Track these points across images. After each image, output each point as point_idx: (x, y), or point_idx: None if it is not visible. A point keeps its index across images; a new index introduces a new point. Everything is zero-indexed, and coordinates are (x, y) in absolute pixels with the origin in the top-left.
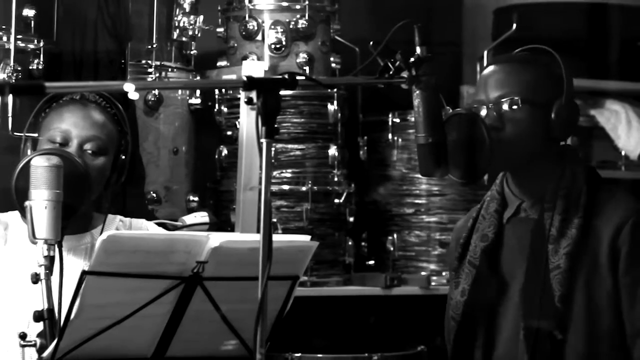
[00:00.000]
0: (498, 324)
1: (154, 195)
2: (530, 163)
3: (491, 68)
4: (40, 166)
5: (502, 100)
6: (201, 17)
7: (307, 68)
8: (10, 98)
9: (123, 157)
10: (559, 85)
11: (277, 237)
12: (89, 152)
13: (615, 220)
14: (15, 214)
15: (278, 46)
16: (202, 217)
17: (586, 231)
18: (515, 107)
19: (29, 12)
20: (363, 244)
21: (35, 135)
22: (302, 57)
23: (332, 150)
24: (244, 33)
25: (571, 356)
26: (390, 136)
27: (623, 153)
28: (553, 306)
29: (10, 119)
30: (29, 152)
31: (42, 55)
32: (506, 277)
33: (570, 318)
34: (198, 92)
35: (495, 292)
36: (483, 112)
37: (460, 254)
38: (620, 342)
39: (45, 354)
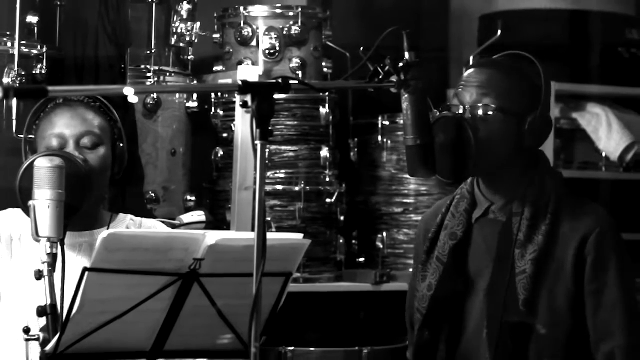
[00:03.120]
0: (463, 320)
1: (153, 195)
2: (501, 168)
3: (472, 71)
4: (43, 167)
5: (478, 105)
6: (198, 24)
7: (300, 73)
8: (14, 101)
9: (121, 144)
10: (536, 96)
11: (271, 235)
12: (87, 147)
13: (582, 230)
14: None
15: (272, 52)
16: (199, 216)
17: (553, 238)
18: (489, 113)
19: (32, 19)
20: (354, 242)
21: (32, 137)
22: (295, 62)
23: (324, 152)
24: (239, 39)
25: (533, 358)
26: (379, 138)
27: (604, 154)
28: (517, 309)
29: (14, 122)
30: (28, 156)
31: (45, 61)
32: (473, 275)
33: (533, 322)
34: (195, 95)
35: (462, 289)
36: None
37: (428, 248)
38: (580, 347)
39: (48, 347)
